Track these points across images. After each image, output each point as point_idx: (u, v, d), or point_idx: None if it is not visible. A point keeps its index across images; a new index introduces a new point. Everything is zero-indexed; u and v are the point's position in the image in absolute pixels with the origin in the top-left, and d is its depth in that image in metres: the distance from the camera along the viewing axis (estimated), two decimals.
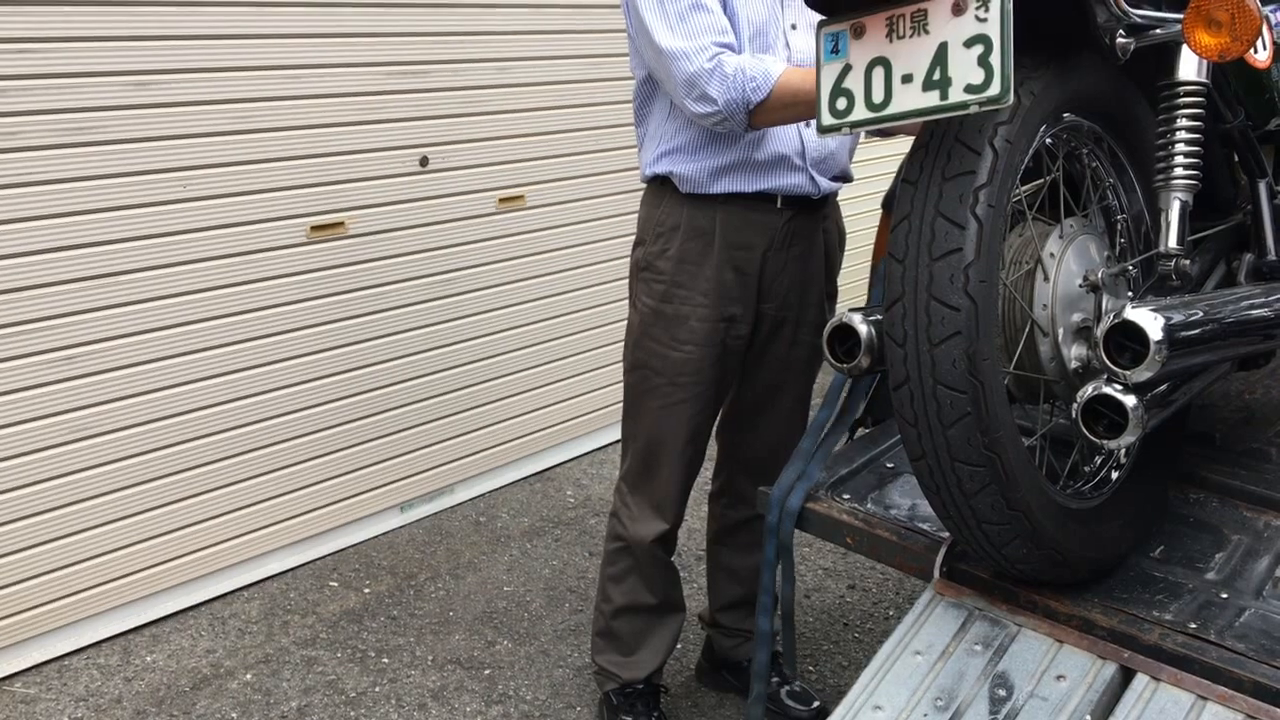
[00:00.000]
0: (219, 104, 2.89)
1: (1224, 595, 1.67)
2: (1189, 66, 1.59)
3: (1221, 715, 1.46)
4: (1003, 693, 1.55)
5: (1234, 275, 1.97)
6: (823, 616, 3.10)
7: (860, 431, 2.24)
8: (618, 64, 3.70)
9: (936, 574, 1.75)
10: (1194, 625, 1.58)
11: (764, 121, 2.05)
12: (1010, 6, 1.33)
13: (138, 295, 2.82)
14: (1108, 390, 1.42)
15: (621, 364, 2.40)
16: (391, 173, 3.32)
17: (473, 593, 3.21)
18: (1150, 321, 1.40)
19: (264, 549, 3.23)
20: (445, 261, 3.52)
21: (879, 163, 4.30)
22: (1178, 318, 1.45)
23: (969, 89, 1.36)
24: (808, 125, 2.15)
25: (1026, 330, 1.61)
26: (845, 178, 2.32)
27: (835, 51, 1.47)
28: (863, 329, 1.60)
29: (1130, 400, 1.41)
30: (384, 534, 3.54)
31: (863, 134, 2.04)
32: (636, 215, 2.35)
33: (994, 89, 1.34)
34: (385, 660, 2.86)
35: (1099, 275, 1.65)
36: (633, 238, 2.35)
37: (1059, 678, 1.56)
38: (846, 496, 1.97)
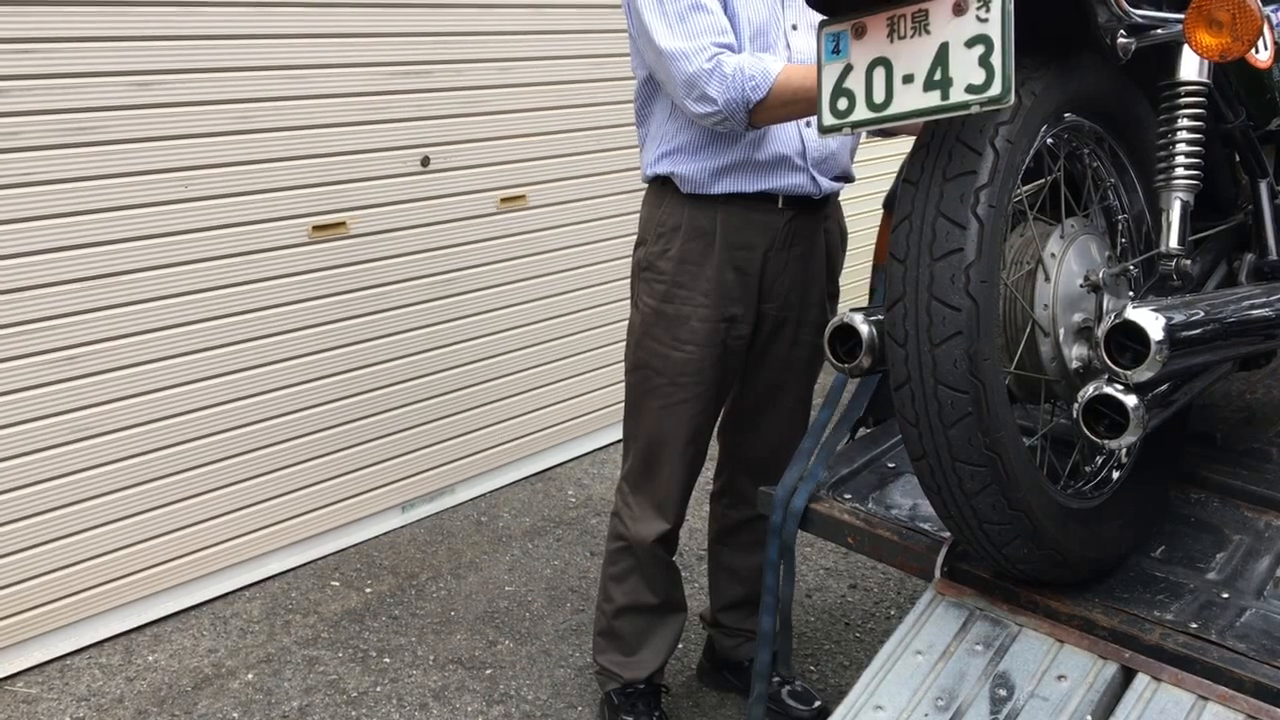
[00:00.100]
0: (220, 104, 2.89)
1: (1225, 595, 1.67)
2: (1190, 66, 1.59)
3: (1222, 715, 1.46)
4: (1004, 693, 1.55)
5: (1235, 275, 1.97)
6: (824, 616, 3.10)
7: (861, 431, 2.24)
8: (619, 64, 3.70)
9: (938, 574, 1.75)
10: (1195, 625, 1.58)
11: (764, 120, 2.05)
12: (1011, 7, 1.33)
13: (139, 295, 2.82)
14: (1109, 390, 1.42)
15: (623, 364, 2.40)
16: (393, 173, 3.32)
17: (474, 592, 3.21)
18: (1151, 321, 1.40)
19: (265, 549, 3.24)
20: (446, 261, 3.53)
21: (880, 163, 4.30)
22: (1179, 318, 1.45)
23: (970, 89, 1.36)
24: (808, 125, 2.15)
25: (1027, 330, 1.61)
26: (847, 178, 2.32)
27: (836, 52, 1.47)
28: (864, 329, 1.61)
29: (1131, 400, 1.41)
30: (385, 534, 3.54)
31: (864, 134, 2.04)
32: (638, 215, 2.35)
33: (995, 89, 1.34)
34: (387, 660, 2.87)
35: (1100, 275, 1.65)
36: (634, 238, 2.35)
37: (1060, 678, 1.56)
38: (848, 496, 1.97)
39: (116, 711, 2.65)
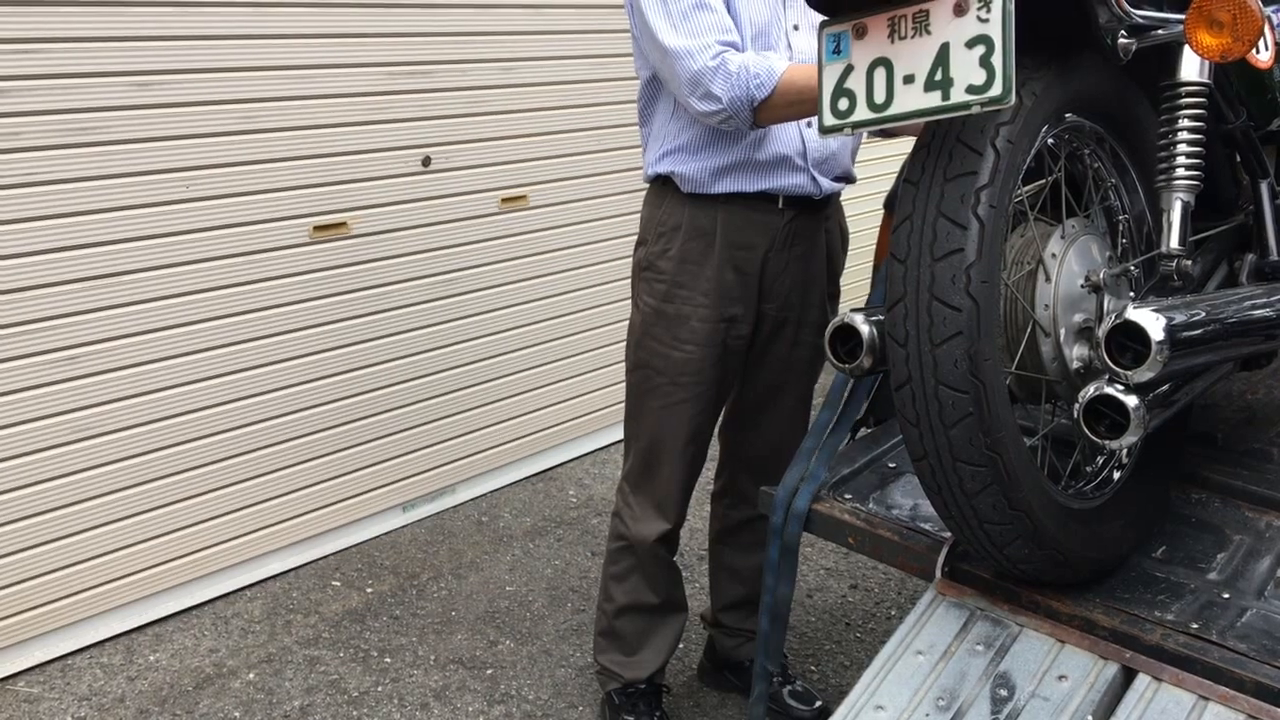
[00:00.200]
0: (222, 104, 2.89)
1: (1226, 595, 1.67)
2: (1191, 67, 1.59)
3: (1223, 716, 1.46)
4: (1004, 693, 1.55)
5: (1236, 276, 1.97)
6: (825, 616, 3.10)
7: (862, 431, 2.24)
8: (620, 64, 3.70)
9: (938, 574, 1.75)
10: (1196, 625, 1.58)
11: (769, 119, 2.05)
12: (1012, 7, 1.33)
13: (140, 295, 2.82)
14: (1109, 390, 1.42)
15: (623, 364, 2.40)
16: (394, 173, 3.32)
17: (475, 592, 3.21)
18: (1152, 322, 1.40)
19: (266, 548, 3.24)
20: (448, 261, 3.53)
21: (881, 163, 4.30)
22: (1179, 318, 1.45)
23: (971, 89, 1.36)
24: (809, 125, 2.16)
25: (1028, 330, 1.61)
26: (848, 178, 2.32)
27: (837, 52, 1.47)
28: (864, 329, 1.61)
29: (1132, 400, 1.41)
30: (386, 533, 3.54)
31: (865, 134, 2.04)
32: (639, 215, 2.35)
33: (996, 89, 1.34)
34: (388, 660, 2.87)
35: (1101, 275, 1.65)
36: (635, 238, 2.35)
37: (1061, 678, 1.56)
38: (848, 496, 1.97)
39: (118, 711, 2.65)
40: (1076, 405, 1.46)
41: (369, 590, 3.21)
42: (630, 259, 2.38)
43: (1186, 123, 1.60)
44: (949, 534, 1.76)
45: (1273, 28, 1.74)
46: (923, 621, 1.70)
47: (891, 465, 2.10)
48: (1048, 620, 1.65)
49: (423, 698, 2.72)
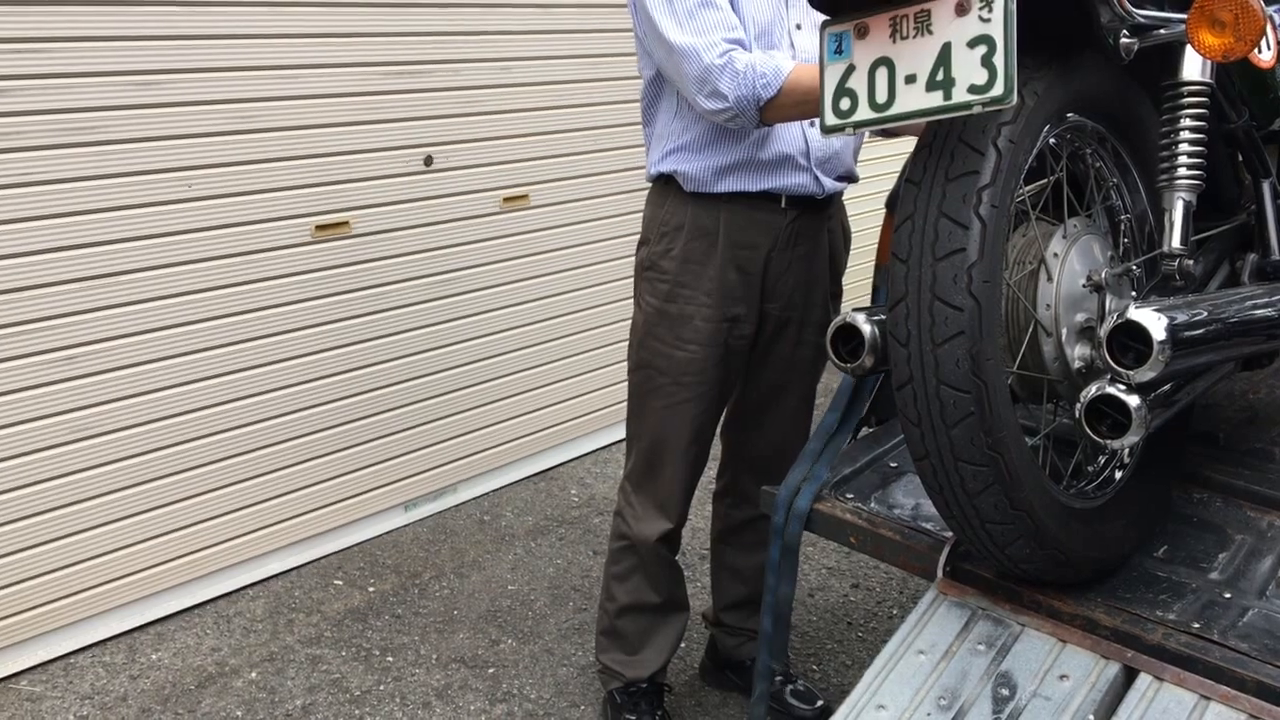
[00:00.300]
0: (222, 104, 2.89)
1: (1227, 595, 1.67)
2: (1193, 66, 1.59)
3: (1224, 715, 1.46)
4: (1006, 692, 1.56)
5: (1238, 275, 1.97)
6: (826, 615, 3.10)
7: (864, 431, 2.24)
8: (622, 63, 3.71)
9: (940, 573, 1.75)
10: (1197, 625, 1.58)
11: (774, 118, 2.05)
12: (1014, 7, 1.33)
13: (140, 295, 2.82)
14: (1111, 390, 1.42)
15: (625, 363, 2.40)
16: (395, 172, 3.32)
17: (477, 591, 3.21)
18: (1154, 322, 1.40)
19: (268, 548, 3.24)
20: (449, 261, 3.53)
21: (883, 162, 4.30)
22: (1181, 318, 1.45)
23: (972, 89, 1.36)
24: (812, 125, 2.15)
25: (1030, 330, 1.61)
26: (850, 178, 2.32)
27: (839, 52, 1.47)
28: (866, 329, 1.61)
29: (1133, 400, 1.41)
30: (388, 533, 3.54)
31: (867, 134, 2.04)
32: (641, 215, 2.35)
33: (997, 89, 1.34)
34: (390, 659, 2.87)
35: (1102, 275, 1.65)
36: (637, 237, 2.35)
37: (1062, 677, 1.56)
38: (850, 496, 1.97)
39: (120, 710, 2.65)
40: (1078, 405, 1.46)
41: (371, 589, 3.22)
42: (632, 258, 2.38)
43: (1188, 122, 1.60)
44: (950, 533, 1.76)
45: (1275, 27, 1.74)
46: (924, 621, 1.70)
47: (893, 465, 2.10)
48: (1049, 620, 1.65)
49: (425, 696, 2.72)
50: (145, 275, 2.82)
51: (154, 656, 2.86)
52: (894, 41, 1.42)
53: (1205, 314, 1.53)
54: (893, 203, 2.43)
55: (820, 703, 2.60)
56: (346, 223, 3.23)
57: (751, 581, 2.59)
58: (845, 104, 1.47)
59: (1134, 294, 1.75)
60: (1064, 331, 1.62)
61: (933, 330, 1.43)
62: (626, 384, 2.40)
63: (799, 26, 2.17)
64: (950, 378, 1.43)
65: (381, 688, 2.75)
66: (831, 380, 3.42)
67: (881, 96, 1.44)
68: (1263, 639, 1.55)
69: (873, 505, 1.95)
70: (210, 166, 2.90)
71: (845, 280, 2.45)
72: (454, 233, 3.52)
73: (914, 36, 1.41)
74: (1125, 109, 1.73)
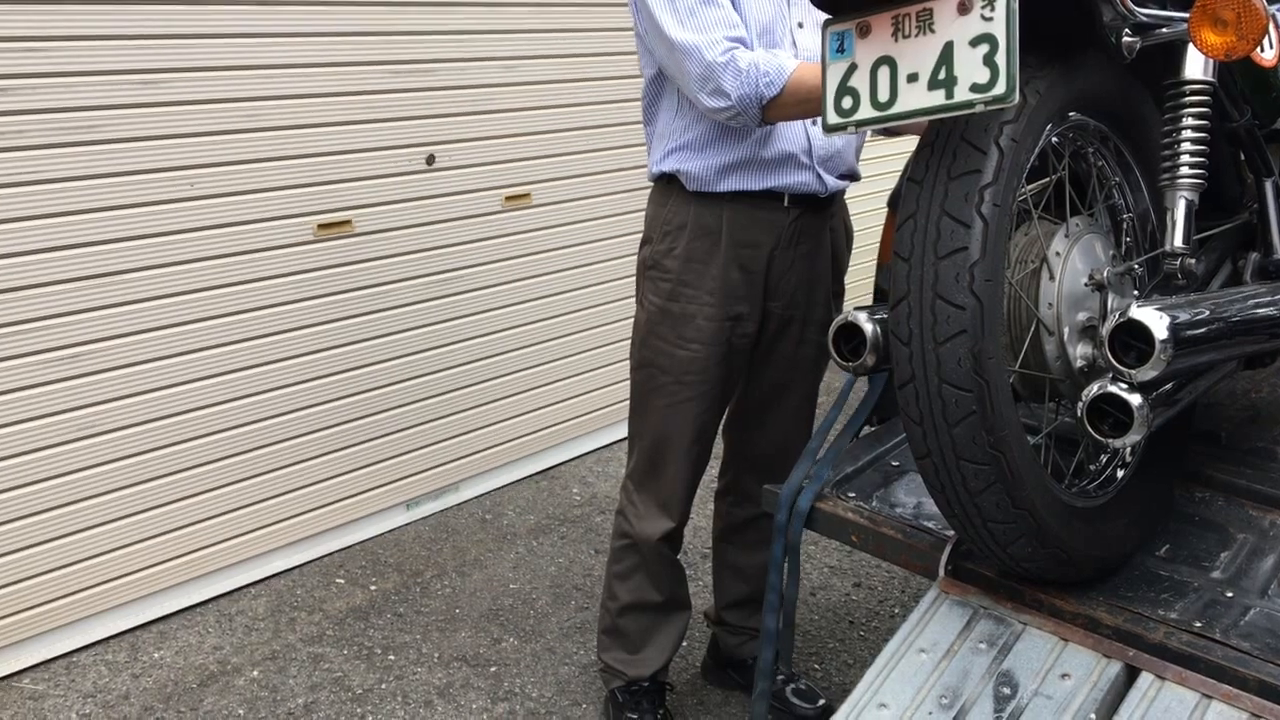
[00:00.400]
0: (224, 103, 2.89)
1: (1229, 594, 1.67)
2: (1195, 65, 1.59)
3: (1226, 714, 1.46)
4: (1007, 691, 1.56)
5: (1240, 274, 1.97)
6: (828, 614, 3.10)
7: (865, 430, 2.24)
8: (624, 62, 3.71)
9: (942, 572, 1.75)
10: (1199, 624, 1.58)
11: (777, 117, 2.04)
12: (1016, 6, 1.33)
13: (141, 294, 2.83)
14: (1113, 389, 1.42)
15: (628, 362, 2.40)
16: (398, 171, 3.32)
17: (479, 590, 3.22)
18: (1155, 320, 1.40)
19: (270, 546, 3.24)
20: (451, 260, 3.53)
21: (885, 161, 4.30)
22: (1183, 317, 1.45)
23: (974, 88, 1.36)
24: (814, 123, 2.15)
25: (1032, 329, 1.61)
26: (853, 176, 2.32)
27: (841, 50, 1.47)
28: (868, 327, 1.61)
29: (1135, 399, 1.41)
30: (390, 531, 3.55)
31: (869, 133, 2.04)
32: (643, 214, 2.36)
33: (999, 88, 1.34)
34: (392, 657, 2.87)
35: (1104, 274, 1.65)
36: (640, 236, 2.36)
37: (1064, 676, 1.56)
38: (852, 495, 1.97)
39: (122, 708, 2.65)
40: (1080, 404, 1.46)
41: (373, 588, 3.22)
42: (634, 257, 2.38)
43: (1191, 121, 1.60)
44: (952, 532, 1.76)
45: (1277, 26, 1.74)
46: (926, 620, 1.70)
47: (895, 463, 2.10)
48: (1051, 618, 1.65)
49: (426, 695, 2.72)
50: (146, 274, 2.82)
51: (156, 655, 2.87)
52: (896, 40, 1.42)
53: (1207, 313, 1.53)
54: (895, 201, 2.43)
55: (822, 701, 2.60)
56: (348, 222, 3.23)
57: (753, 580, 2.59)
58: (847, 103, 1.47)
59: (1136, 293, 1.75)
60: (1066, 330, 1.62)
61: (935, 329, 1.43)
62: (628, 383, 2.40)
63: (800, 25, 2.17)
64: (952, 376, 1.43)
65: (383, 686, 2.75)
66: (834, 379, 3.41)
67: (884, 95, 1.44)
68: (1265, 638, 1.55)
69: (874, 504, 1.95)
70: (211, 165, 2.90)
71: (847, 279, 2.45)
72: (456, 232, 3.52)
73: (916, 35, 1.41)
74: (1127, 108, 1.73)
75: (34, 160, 2.59)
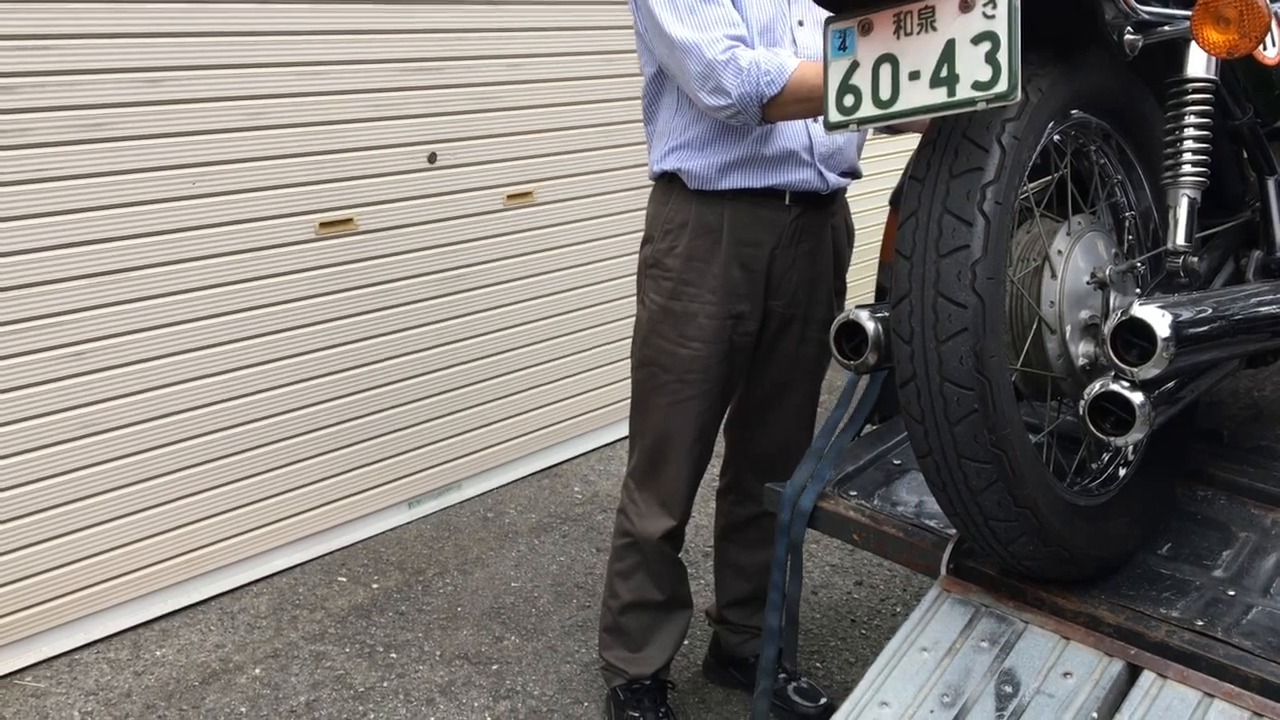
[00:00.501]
0: (229, 100, 2.89)
1: (1231, 593, 1.66)
2: (1197, 63, 1.59)
3: (1228, 713, 1.46)
4: (1009, 689, 1.56)
5: (1242, 272, 1.97)
6: (830, 613, 3.10)
7: (867, 428, 2.24)
8: (627, 60, 3.70)
9: (943, 570, 1.75)
10: (1201, 622, 1.58)
11: (777, 115, 2.04)
12: (1018, 3, 1.33)
13: (145, 291, 2.83)
14: (1115, 387, 1.42)
15: (629, 360, 2.40)
16: (400, 169, 3.32)
17: (480, 588, 3.22)
18: (1158, 318, 1.40)
19: (272, 544, 3.25)
20: (454, 258, 3.53)
21: (887, 159, 4.30)
22: (1185, 315, 1.45)
23: (976, 86, 1.36)
24: (816, 121, 2.15)
25: (1034, 327, 1.61)
26: (854, 174, 2.31)
27: (842, 48, 1.47)
28: (869, 326, 1.61)
29: (1137, 397, 1.41)
30: (392, 529, 3.55)
31: (870, 130, 2.04)
32: (645, 212, 2.35)
33: (1001, 86, 1.34)
34: (393, 655, 2.87)
35: (1107, 272, 1.65)
36: (641, 235, 2.35)
37: (1065, 674, 1.56)
38: (853, 493, 1.97)
39: (124, 706, 2.66)
40: (1082, 402, 1.46)
41: (375, 586, 3.22)
42: (636, 255, 2.38)
43: (1193, 119, 1.60)
44: (954, 531, 1.76)
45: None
46: (928, 618, 1.70)
47: (896, 462, 2.10)
48: (1053, 617, 1.64)
49: (428, 693, 2.73)
50: (148, 272, 2.83)
51: (158, 653, 2.87)
52: (898, 38, 1.42)
53: (1209, 311, 1.53)
54: (897, 199, 2.43)
55: (824, 700, 2.60)
56: (351, 220, 3.23)
57: (755, 578, 2.59)
58: (849, 100, 1.47)
59: (1138, 291, 1.75)
60: (1068, 328, 1.61)
61: (936, 327, 1.43)
62: (630, 381, 2.40)
63: (801, 23, 2.16)
64: (954, 374, 1.43)
65: (385, 684, 2.75)
66: (835, 378, 3.41)
67: (885, 93, 1.44)
68: (1266, 636, 1.55)
69: (876, 502, 1.95)
70: (216, 163, 2.90)
71: (849, 277, 2.45)
72: (458, 230, 3.52)
73: (918, 33, 1.41)
74: (1130, 106, 1.73)
75: (37, 158, 2.59)
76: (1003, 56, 1.34)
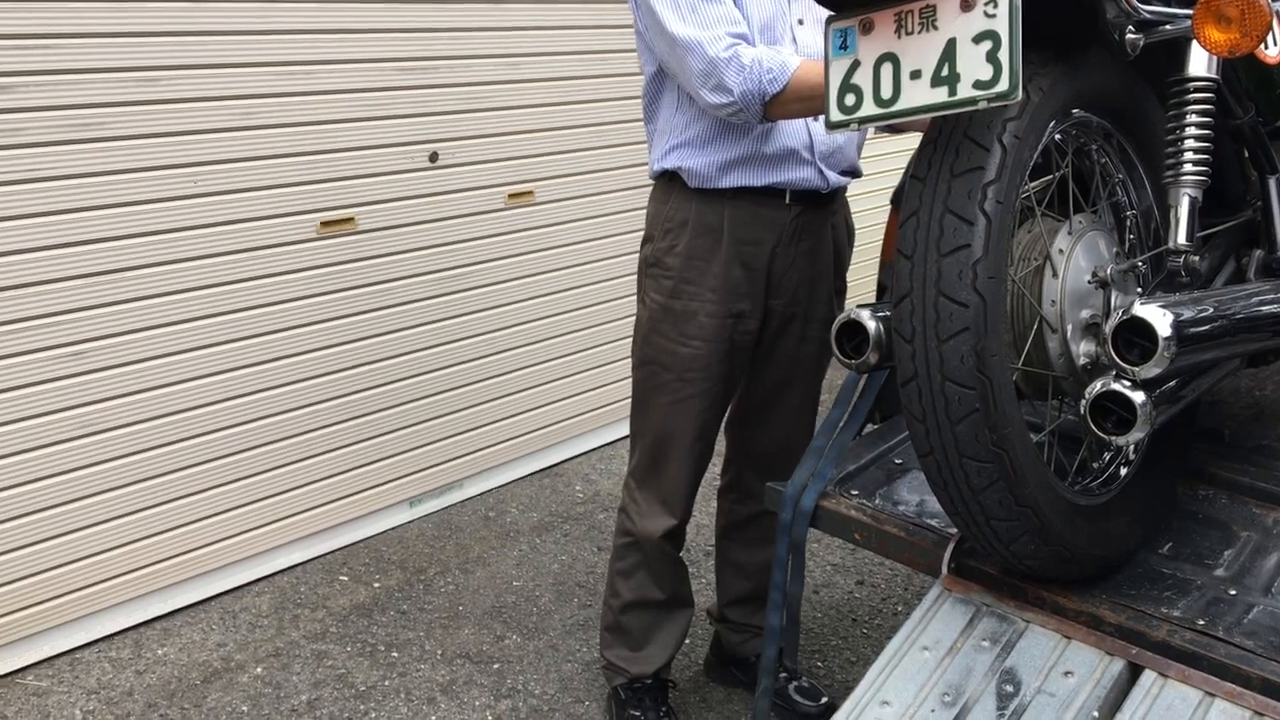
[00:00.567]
0: (227, 100, 2.89)
1: (1232, 592, 1.66)
2: (1199, 62, 1.59)
3: (1229, 712, 1.46)
4: (1010, 689, 1.56)
5: (1244, 271, 1.97)
6: (831, 612, 3.10)
7: (868, 427, 2.24)
8: (628, 59, 3.70)
9: (944, 570, 1.75)
10: (1202, 622, 1.58)
11: (779, 114, 2.04)
12: (1019, 2, 1.32)
13: (146, 291, 2.83)
14: (1116, 386, 1.42)
15: (630, 359, 2.40)
16: (401, 168, 3.32)
17: (482, 587, 3.22)
18: (1159, 318, 1.40)
19: (274, 543, 3.25)
20: (454, 257, 3.53)
21: (888, 158, 4.30)
22: (1186, 314, 1.45)
23: (977, 85, 1.36)
24: (816, 119, 2.15)
25: (1035, 326, 1.61)
26: (854, 172, 2.31)
27: (844, 47, 1.47)
28: (871, 325, 1.61)
29: (1139, 396, 1.41)
30: (393, 529, 3.55)
31: (871, 130, 2.04)
32: (645, 211, 2.35)
33: (1002, 85, 1.34)
34: (395, 654, 2.88)
35: (1108, 271, 1.65)
36: (642, 234, 2.35)
37: (1066, 674, 1.56)
38: (855, 492, 1.97)
39: (126, 704, 2.66)
40: (1083, 401, 1.46)
41: (376, 585, 3.22)
42: (637, 254, 2.38)
43: (1194, 118, 1.59)
44: (955, 530, 1.76)
45: None
46: (929, 617, 1.70)
47: (898, 461, 2.10)
48: (1054, 616, 1.64)
49: (430, 692, 2.73)
50: (148, 271, 2.83)
51: (160, 652, 2.87)
52: (899, 37, 1.42)
53: (1211, 310, 1.53)
54: (897, 198, 2.42)
55: (824, 699, 2.60)
56: (352, 219, 3.23)
57: (756, 577, 2.59)
58: (850, 99, 1.47)
59: (1139, 290, 1.75)
60: (1069, 328, 1.61)
61: (937, 326, 1.43)
62: (631, 380, 2.40)
63: (801, 22, 2.16)
64: (955, 374, 1.43)
65: (386, 683, 2.76)
66: (837, 376, 3.42)
67: (886, 92, 1.44)
68: (1268, 636, 1.55)
69: (877, 502, 1.95)
70: (215, 163, 2.90)
71: (850, 276, 2.45)
72: (459, 229, 3.52)
73: (919, 32, 1.40)
74: (1131, 105, 1.72)
75: (35, 158, 2.59)
76: (1004, 55, 1.34)
